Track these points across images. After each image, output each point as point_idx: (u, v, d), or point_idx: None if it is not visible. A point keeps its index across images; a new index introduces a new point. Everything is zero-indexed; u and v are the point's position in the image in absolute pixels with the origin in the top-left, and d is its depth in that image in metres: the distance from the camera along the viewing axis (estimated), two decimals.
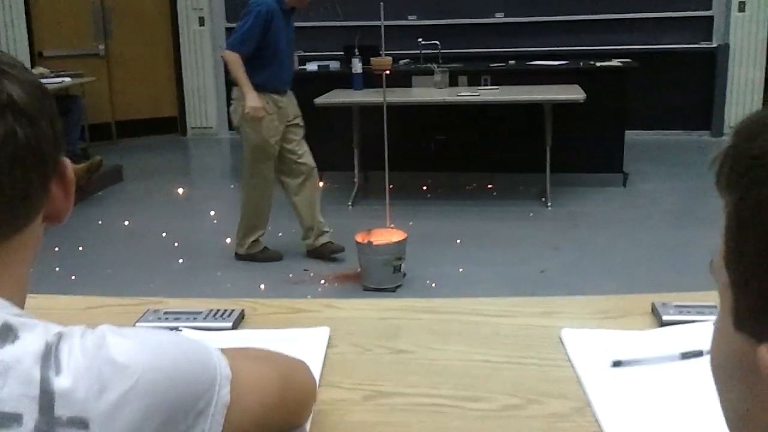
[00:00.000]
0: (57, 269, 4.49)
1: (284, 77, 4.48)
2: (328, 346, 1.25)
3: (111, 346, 0.72)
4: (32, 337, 0.71)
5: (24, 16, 7.83)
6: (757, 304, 0.44)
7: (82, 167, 6.23)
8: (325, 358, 1.21)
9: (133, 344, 0.73)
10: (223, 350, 0.84)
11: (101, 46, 8.35)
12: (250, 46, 4.26)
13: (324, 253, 4.58)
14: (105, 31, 8.36)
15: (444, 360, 1.20)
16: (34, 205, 0.78)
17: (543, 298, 1.44)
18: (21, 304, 0.80)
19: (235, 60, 4.29)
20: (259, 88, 4.32)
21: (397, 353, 1.23)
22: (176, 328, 1.31)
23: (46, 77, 6.59)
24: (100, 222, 5.75)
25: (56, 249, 4.65)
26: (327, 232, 4.64)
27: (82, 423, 0.68)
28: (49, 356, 0.69)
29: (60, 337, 0.71)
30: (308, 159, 4.63)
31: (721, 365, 0.52)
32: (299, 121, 4.60)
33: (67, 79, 7.00)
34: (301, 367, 1.03)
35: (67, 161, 0.82)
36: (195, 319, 1.36)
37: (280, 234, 4.88)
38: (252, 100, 4.28)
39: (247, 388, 0.84)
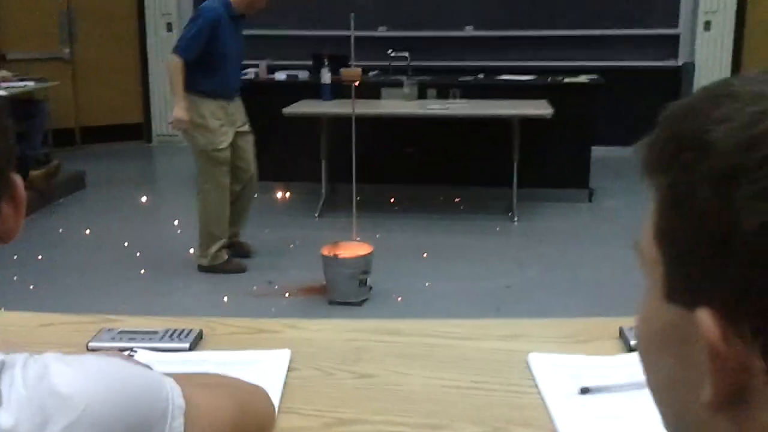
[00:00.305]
0: (15, 278, 4.38)
1: (231, 84, 4.48)
2: (289, 369, 1.22)
3: (54, 375, 0.68)
4: None
5: None
6: (690, 275, 0.46)
7: (41, 173, 6.12)
8: (285, 382, 1.17)
9: (78, 373, 0.69)
10: (176, 377, 0.80)
11: (67, 50, 8.22)
12: (194, 52, 4.23)
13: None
14: (71, 34, 8.23)
15: (409, 385, 1.17)
16: None
17: (510, 320, 1.42)
18: None
19: (176, 66, 4.27)
20: (207, 94, 4.34)
21: (360, 378, 1.20)
22: (131, 349, 1.26)
23: (9, 81, 6.46)
24: (61, 230, 5.63)
25: (14, 257, 4.55)
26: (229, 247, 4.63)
27: None
28: None
29: (1, 366, 0.67)
30: (251, 167, 4.66)
31: (652, 339, 0.52)
32: (247, 127, 4.64)
33: (31, 83, 6.86)
34: (259, 393, 0.99)
35: (18, 178, 0.78)
36: (151, 339, 1.31)
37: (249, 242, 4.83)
38: (179, 110, 4.28)
39: (201, 418, 0.80)
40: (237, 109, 4.57)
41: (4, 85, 6.31)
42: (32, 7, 7.97)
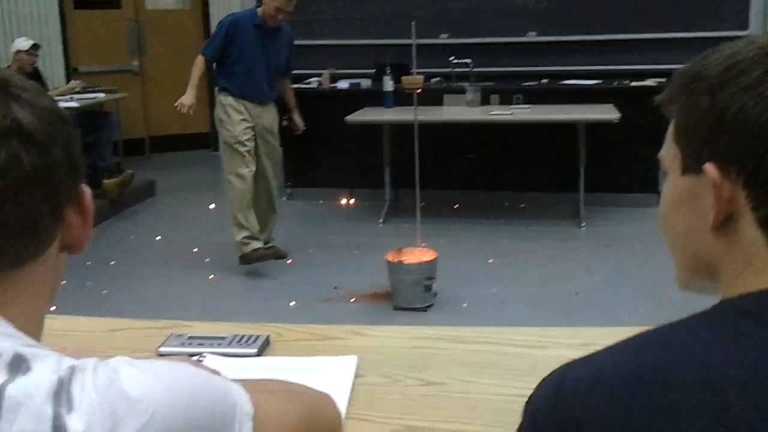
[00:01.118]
0: (88, 283, 4.51)
1: (253, 88, 4.67)
2: (356, 376, 1.21)
3: (124, 379, 0.68)
4: (44, 370, 0.68)
5: (60, 32, 7.94)
6: (699, 150, 0.71)
7: (115, 182, 6.28)
8: (352, 388, 1.17)
9: (148, 377, 0.70)
10: (244, 383, 0.81)
11: (135, 63, 8.43)
12: (212, 51, 4.66)
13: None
14: (140, 47, 8.45)
15: (476, 394, 1.15)
16: (45, 234, 0.74)
17: (580, 329, 1.39)
18: (36, 333, 0.76)
19: (196, 61, 4.72)
20: (230, 92, 4.67)
21: (427, 385, 1.18)
22: (200, 354, 1.28)
23: (80, 92, 6.64)
24: (132, 237, 5.78)
25: (88, 263, 4.67)
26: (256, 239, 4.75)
27: None
28: (61, 392, 0.66)
29: (72, 371, 0.68)
30: (269, 177, 4.85)
31: (671, 207, 0.77)
32: (270, 138, 4.83)
33: (102, 95, 7.07)
34: (327, 400, 0.99)
35: (87, 189, 0.79)
36: (219, 344, 1.32)
37: (311, 251, 4.87)
38: (186, 97, 4.67)
39: (268, 424, 0.80)
40: (264, 114, 4.75)
41: (76, 96, 6.50)
42: (101, 21, 8.20)
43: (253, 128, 4.69)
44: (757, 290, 0.67)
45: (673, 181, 0.76)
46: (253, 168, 4.67)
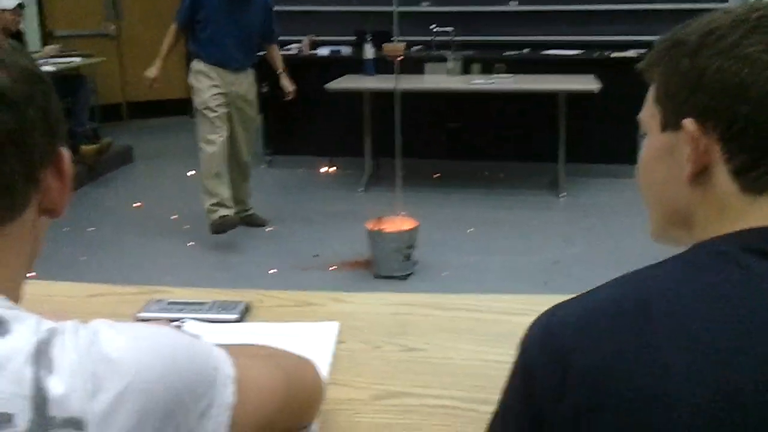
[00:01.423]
0: (66, 249, 4.47)
1: (224, 54, 4.57)
2: (337, 342, 1.21)
3: (104, 342, 0.68)
4: (24, 331, 0.67)
5: (35, 3, 7.79)
6: (679, 107, 0.77)
7: (93, 148, 6.21)
8: (333, 354, 1.17)
9: (128, 340, 0.69)
10: (226, 347, 0.80)
11: (112, 27, 8.30)
12: (181, 18, 4.63)
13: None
14: (116, 11, 8.31)
15: (456, 359, 1.16)
16: (19, 196, 0.72)
17: (558, 296, 1.40)
18: (15, 296, 0.76)
19: (169, 31, 4.72)
20: (201, 58, 4.61)
21: (407, 351, 1.19)
22: (179, 320, 1.27)
23: (57, 56, 6.53)
24: (110, 203, 5.73)
25: (65, 229, 4.63)
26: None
27: (77, 424, 0.65)
28: (41, 354, 0.66)
29: (52, 333, 0.68)
30: (242, 148, 4.78)
31: (650, 161, 0.83)
32: (245, 105, 4.74)
33: (78, 59, 6.95)
34: (308, 366, 0.99)
35: (65, 152, 0.77)
36: (199, 310, 1.32)
37: (290, 219, 4.85)
38: (150, 69, 4.74)
39: (252, 387, 0.80)
40: (238, 81, 4.66)
41: (52, 61, 6.40)
42: None
43: (225, 95, 4.62)
44: (731, 232, 0.73)
45: (652, 139, 0.82)
46: (224, 134, 4.60)
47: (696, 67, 0.75)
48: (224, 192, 4.60)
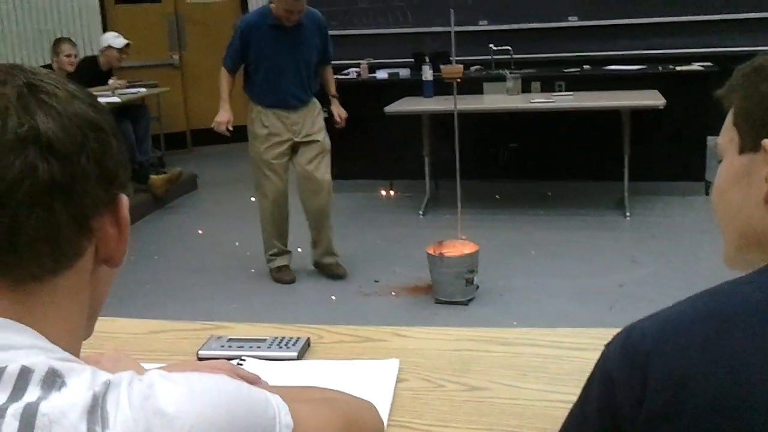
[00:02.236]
0: (130, 276, 4.55)
1: (281, 96, 4.29)
2: (398, 380, 1.18)
3: (159, 395, 0.67)
4: (79, 385, 0.66)
5: (100, 27, 8.03)
6: (758, 131, 0.77)
7: (163, 178, 6.32)
8: (394, 393, 1.14)
9: (183, 392, 0.68)
10: (283, 392, 0.79)
11: (175, 56, 8.50)
12: (232, 61, 4.36)
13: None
14: (179, 41, 8.51)
15: (522, 400, 1.11)
16: (68, 246, 0.71)
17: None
18: (73, 346, 0.75)
19: (221, 75, 4.43)
20: (258, 102, 4.36)
21: (471, 390, 1.15)
22: (239, 358, 1.26)
23: (121, 89, 6.70)
24: (175, 230, 5.83)
25: (131, 258, 4.71)
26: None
27: None
28: (96, 409, 0.65)
29: (107, 386, 0.67)
30: (321, 175, 4.43)
31: (727, 183, 0.83)
32: (314, 137, 4.39)
33: (143, 90, 7.13)
34: (368, 409, 0.97)
35: (124, 199, 0.76)
36: (259, 347, 1.31)
37: (351, 244, 4.84)
38: (220, 114, 4.43)
39: None
40: (302, 119, 4.35)
41: (118, 92, 6.57)
42: (141, 15, 8.28)
43: (285, 142, 4.34)
44: None
45: (729, 161, 0.83)
46: (280, 186, 4.38)
47: None
48: (281, 242, 4.49)
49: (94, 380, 0.67)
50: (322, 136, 4.44)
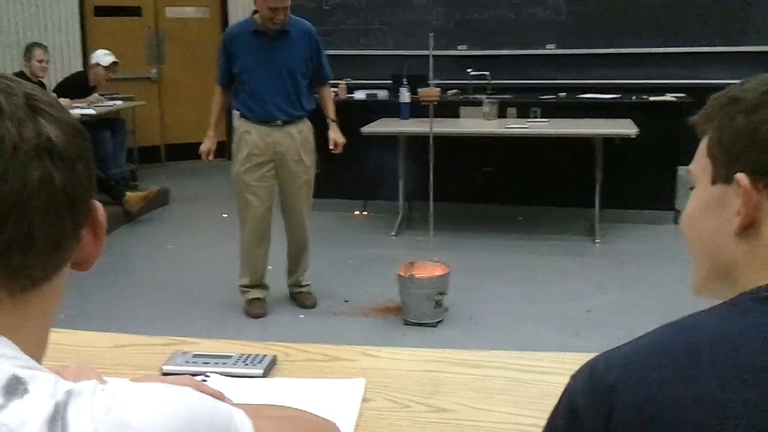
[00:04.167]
0: (98, 291, 4.49)
1: (264, 108, 4.03)
2: (363, 399, 1.18)
3: (121, 406, 0.66)
4: (41, 393, 0.65)
5: (80, 39, 7.99)
6: (732, 161, 0.79)
7: (139, 195, 6.25)
8: (359, 413, 1.14)
9: (147, 404, 0.67)
10: (246, 408, 0.78)
11: (154, 70, 8.46)
12: (222, 76, 4.14)
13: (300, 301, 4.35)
14: (158, 55, 8.48)
15: (489, 422, 1.11)
16: (66, 253, 0.72)
17: (595, 354, 1.34)
18: (39, 353, 0.75)
19: (215, 96, 4.25)
20: (241, 115, 4.14)
21: (436, 411, 1.15)
22: (204, 374, 1.25)
23: (98, 104, 6.65)
24: (145, 245, 5.77)
25: (98, 272, 4.66)
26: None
27: None
28: (57, 418, 0.64)
29: (69, 395, 0.66)
30: (300, 209, 4.22)
31: (698, 212, 0.84)
32: (299, 167, 4.13)
33: (119, 103, 7.09)
34: (330, 429, 0.96)
35: (99, 205, 0.77)
36: (224, 364, 1.29)
37: (322, 263, 4.83)
38: (204, 143, 4.25)
39: None
40: (287, 140, 4.07)
41: (94, 105, 6.53)
42: (121, 28, 8.24)
43: (267, 162, 4.08)
44: None
45: (701, 190, 0.84)
46: (260, 212, 4.11)
47: (751, 123, 0.78)
48: (256, 275, 4.23)
49: (57, 389, 0.66)
50: (307, 167, 4.17)
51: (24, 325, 0.71)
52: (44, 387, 0.66)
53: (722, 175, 0.80)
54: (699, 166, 0.84)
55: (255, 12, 4.03)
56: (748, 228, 0.78)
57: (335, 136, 4.32)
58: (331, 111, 4.34)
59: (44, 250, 0.69)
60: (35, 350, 0.72)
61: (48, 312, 0.75)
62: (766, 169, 0.76)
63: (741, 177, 0.77)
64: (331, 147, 4.32)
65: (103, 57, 6.59)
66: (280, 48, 4.00)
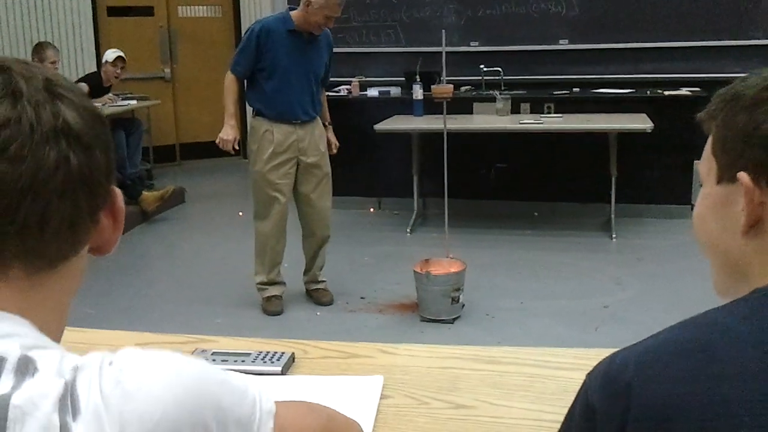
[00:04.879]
0: (117, 290, 4.52)
1: (292, 107, 4.05)
2: (382, 396, 1.18)
3: (130, 380, 0.65)
4: (50, 371, 0.66)
5: (93, 39, 8.03)
6: (734, 161, 0.78)
7: (155, 195, 6.28)
8: (378, 410, 1.14)
9: (155, 376, 0.67)
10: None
11: (167, 70, 8.50)
12: (243, 67, 4.06)
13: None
14: (171, 54, 8.52)
15: (508, 418, 1.11)
16: (82, 235, 0.74)
17: (613, 350, 1.34)
18: (57, 333, 0.76)
19: (228, 82, 4.12)
20: (264, 114, 4.09)
21: (456, 408, 1.15)
22: None
23: (112, 104, 6.69)
24: (161, 243, 5.80)
25: (116, 271, 4.69)
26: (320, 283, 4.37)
27: None
28: (67, 397, 0.64)
29: (77, 371, 0.66)
30: (324, 203, 4.27)
31: (705, 213, 0.84)
32: (319, 161, 4.19)
33: (134, 102, 7.13)
34: (352, 426, 0.96)
35: (118, 191, 0.79)
36: (243, 361, 1.30)
37: (339, 260, 4.84)
38: (225, 130, 4.10)
39: (292, 426, 0.77)
40: (308, 135, 4.13)
41: (109, 105, 6.56)
42: (134, 28, 8.28)
43: (290, 160, 4.10)
44: None
45: (708, 190, 0.84)
46: (285, 209, 4.13)
47: (752, 121, 0.77)
48: (275, 271, 4.24)
49: (64, 364, 0.67)
50: (326, 160, 4.25)
51: (41, 304, 0.72)
52: (52, 364, 0.66)
53: (727, 175, 0.80)
54: (705, 167, 0.84)
55: (291, 8, 4.06)
56: (754, 227, 0.77)
57: (332, 138, 4.41)
58: (327, 115, 4.44)
59: (60, 231, 0.71)
60: (52, 330, 0.73)
61: (66, 293, 0.76)
62: (766, 167, 0.76)
63: (743, 176, 0.77)
64: (330, 148, 4.39)
65: (110, 54, 6.63)
66: (311, 51, 4.07)
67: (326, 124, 4.38)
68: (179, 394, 0.67)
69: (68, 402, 0.64)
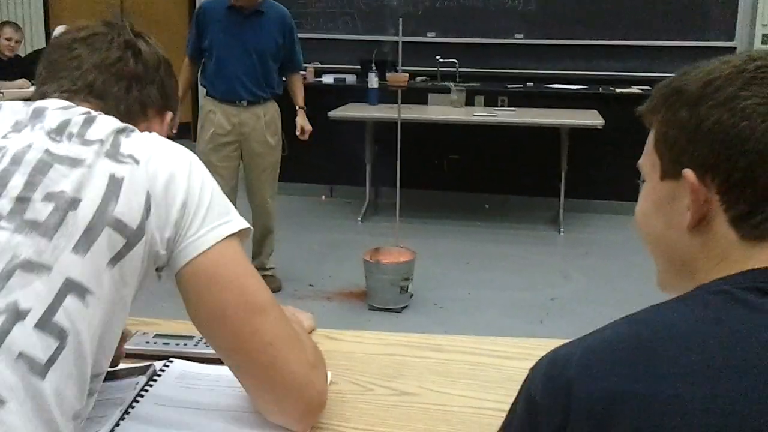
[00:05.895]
0: None
1: (230, 87, 4.01)
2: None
3: (153, 140, 1.03)
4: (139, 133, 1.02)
5: (42, 15, 7.83)
6: (679, 157, 0.78)
7: None
8: None
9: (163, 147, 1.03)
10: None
11: None
12: (190, 48, 4.12)
13: None
14: None
15: (451, 406, 1.11)
16: (136, 105, 1.11)
17: (558, 341, 1.35)
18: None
19: (183, 65, 4.14)
20: (207, 92, 4.13)
21: (400, 395, 1.14)
22: (167, 358, 1.23)
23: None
24: None
25: None
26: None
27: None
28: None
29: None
30: (265, 194, 4.23)
31: (649, 209, 0.83)
32: (264, 149, 4.14)
33: None
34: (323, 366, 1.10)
35: (170, 114, 1.17)
36: (186, 344, 1.28)
37: (287, 246, 4.81)
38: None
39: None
40: (252, 120, 4.09)
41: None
42: (85, 5, 8.08)
43: (232, 143, 4.09)
44: (731, 274, 0.74)
45: (651, 186, 0.83)
46: (225, 191, 3.97)
47: (694, 118, 0.76)
48: None
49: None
50: (273, 151, 4.18)
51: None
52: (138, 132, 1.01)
53: (670, 171, 0.79)
54: (648, 161, 0.83)
55: None
56: (699, 223, 0.77)
57: (303, 122, 4.37)
58: (300, 98, 4.37)
59: (116, 101, 1.07)
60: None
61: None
62: (711, 164, 0.75)
63: (688, 173, 0.76)
64: (297, 133, 4.38)
65: (59, 31, 6.46)
66: (252, 28, 4.00)
67: (297, 107, 4.37)
68: (184, 165, 1.05)
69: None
